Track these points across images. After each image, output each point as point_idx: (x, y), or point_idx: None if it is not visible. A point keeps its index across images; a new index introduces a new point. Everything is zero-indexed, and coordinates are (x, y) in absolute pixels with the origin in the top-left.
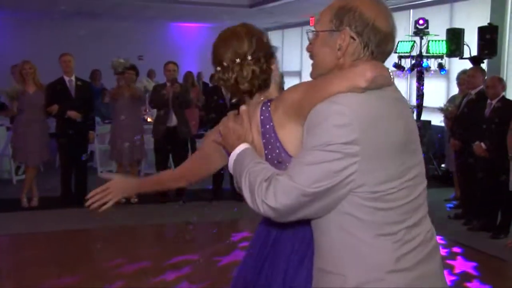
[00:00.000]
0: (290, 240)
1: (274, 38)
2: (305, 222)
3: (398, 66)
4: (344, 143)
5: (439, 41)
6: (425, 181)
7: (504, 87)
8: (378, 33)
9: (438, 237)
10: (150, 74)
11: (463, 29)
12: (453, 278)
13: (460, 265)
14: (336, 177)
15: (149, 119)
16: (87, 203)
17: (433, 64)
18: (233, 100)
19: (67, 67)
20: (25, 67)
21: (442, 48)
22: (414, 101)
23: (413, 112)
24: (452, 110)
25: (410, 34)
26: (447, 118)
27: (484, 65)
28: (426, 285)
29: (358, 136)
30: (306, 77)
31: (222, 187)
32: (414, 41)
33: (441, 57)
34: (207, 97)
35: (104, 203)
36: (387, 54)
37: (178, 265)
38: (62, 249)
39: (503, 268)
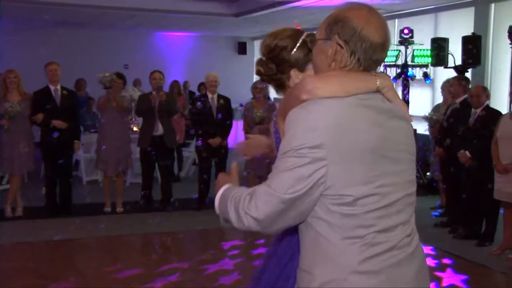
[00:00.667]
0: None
1: None
2: None
3: None
4: (311, 147)
5: (424, 49)
6: (410, 189)
7: (488, 96)
8: (364, 42)
9: (428, 248)
10: (136, 83)
11: (448, 39)
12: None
13: (448, 275)
14: (309, 180)
15: (135, 128)
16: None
17: (418, 73)
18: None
19: (53, 76)
20: (10, 75)
21: (427, 58)
22: None
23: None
24: (436, 119)
25: (395, 43)
26: (431, 127)
27: (468, 74)
28: None
29: (324, 140)
30: None
31: (208, 196)
32: (400, 50)
33: (426, 66)
34: (193, 104)
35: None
36: (376, 63)
37: (166, 273)
38: (47, 260)
39: (489, 276)
